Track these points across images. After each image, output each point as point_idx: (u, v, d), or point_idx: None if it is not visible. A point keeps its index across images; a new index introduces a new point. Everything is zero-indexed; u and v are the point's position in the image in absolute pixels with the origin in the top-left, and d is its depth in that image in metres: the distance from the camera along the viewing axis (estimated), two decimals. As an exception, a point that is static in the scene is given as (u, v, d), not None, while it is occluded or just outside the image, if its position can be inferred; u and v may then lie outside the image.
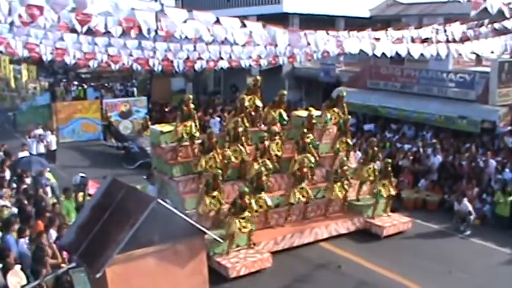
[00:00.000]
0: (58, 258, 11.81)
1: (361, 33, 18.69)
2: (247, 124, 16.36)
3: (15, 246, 11.92)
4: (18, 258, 11.42)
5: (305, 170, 15.47)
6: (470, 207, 16.09)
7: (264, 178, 14.59)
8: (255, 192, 14.37)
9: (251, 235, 13.97)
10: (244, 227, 13.55)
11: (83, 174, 17.19)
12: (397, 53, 15.88)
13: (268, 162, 15.54)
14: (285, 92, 17.69)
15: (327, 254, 14.66)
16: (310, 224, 15.54)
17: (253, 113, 17.03)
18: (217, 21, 12.27)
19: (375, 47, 15.26)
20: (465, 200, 16.26)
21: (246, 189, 13.80)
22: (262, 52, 20.29)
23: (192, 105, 15.77)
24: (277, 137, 16.21)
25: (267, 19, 17.95)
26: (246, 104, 16.59)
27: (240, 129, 15.75)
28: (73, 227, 11.50)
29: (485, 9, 12.59)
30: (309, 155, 16.03)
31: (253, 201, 14.05)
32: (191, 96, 16.41)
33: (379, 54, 15.62)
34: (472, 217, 16.02)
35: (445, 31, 18.89)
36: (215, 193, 14.16)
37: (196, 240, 10.67)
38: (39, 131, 24.08)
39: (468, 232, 15.91)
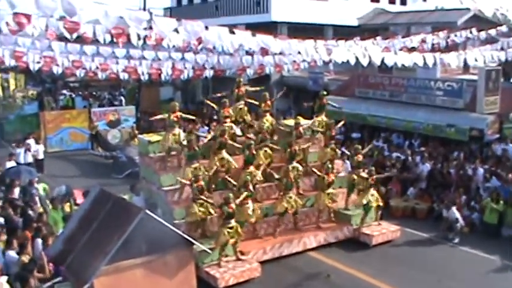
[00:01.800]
0: (45, 272, 11.67)
1: (349, 42, 18.73)
2: (237, 131, 16.47)
3: (2, 257, 11.81)
4: (4, 270, 11.31)
5: (292, 176, 15.38)
6: (458, 215, 16.12)
7: (250, 186, 14.49)
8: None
9: (236, 247, 13.79)
10: (231, 237, 13.39)
11: (66, 185, 17.14)
12: (383, 62, 15.90)
13: (257, 171, 15.47)
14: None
15: (316, 263, 14.61)
16: (298, 233, 15.47)
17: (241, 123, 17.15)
18: (206, 30, 12.27)
19: (365, 54, 15.27)
20: (453, 208, 16.30)
21: (230, 195, 13.67)
22: (248, 61, 20.32)
23: (179, 113, 15.75)
24: (264, 145, 16.18)
25: (255, 28, 17.95)
26: (234, 112, 16.70)
27: (227, 136, 15.72)
28: (60, 237, 11.45)
29: (472, 18, 12.70)
30: (296, 165, 15.94)
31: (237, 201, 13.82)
32: (177, 104, 16.38)
33: (366, 64, 15.61)
34: (459, 225, 16.04)
35: (432, 40, 19.02)
36: (202, 200, 14.05)
37: (185, 250, 10.65)
38: (31, 141, 23.80)
39: (457, 240, 15.93)
